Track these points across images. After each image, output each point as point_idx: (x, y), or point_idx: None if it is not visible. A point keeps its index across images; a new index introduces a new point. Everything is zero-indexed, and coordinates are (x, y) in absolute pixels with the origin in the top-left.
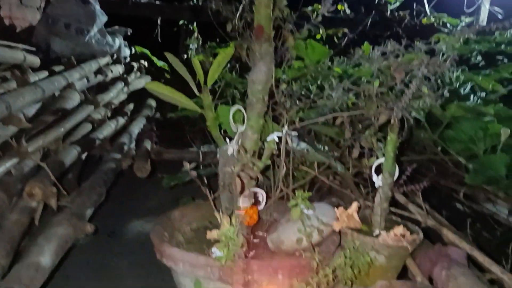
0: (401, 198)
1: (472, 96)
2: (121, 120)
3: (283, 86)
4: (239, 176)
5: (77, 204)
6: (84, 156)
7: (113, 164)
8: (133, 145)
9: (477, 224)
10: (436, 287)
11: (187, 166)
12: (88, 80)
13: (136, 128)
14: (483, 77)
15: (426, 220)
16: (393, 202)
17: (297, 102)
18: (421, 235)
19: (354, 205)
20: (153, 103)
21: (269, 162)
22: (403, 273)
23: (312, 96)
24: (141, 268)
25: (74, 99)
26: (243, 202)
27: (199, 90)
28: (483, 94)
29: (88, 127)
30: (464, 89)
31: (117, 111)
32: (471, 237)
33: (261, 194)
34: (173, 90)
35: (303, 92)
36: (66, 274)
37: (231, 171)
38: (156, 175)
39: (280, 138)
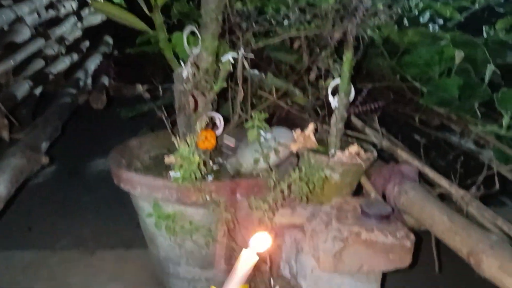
0: (358, 123)
1: (431, 24)
2: (76, 56)
3: (238, 5)
4: (193, 95)
5: (31, 137)
6: (38, 92)
7: (68, 99)
8: (89, 81)
9: (432, 151)
10: (388, 202)
11: (140, 88)
12: (39, 15)
13: (92, 64)
14: (441, 4)
15: (381, 142)
16: (350, 127)
17: (253, 24)
18: (375, 153)
19: (311, 126)
20: (110, 40)
21: (224, 84)
22: (358, 191)
23: (268, 17)
24: (103, 203)
25: (24, 33)
26: (199, 124)
27: (150, 10)
28: (442, 21)
29: (41, 63)
30: (423, 17)
31: (71, 48)
32: (424, 161)
33: (218, 118)
34: (121, 9)
35: (258, 14)
36: (28, 210)
37: (183, 89)
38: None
39: (236, 60)
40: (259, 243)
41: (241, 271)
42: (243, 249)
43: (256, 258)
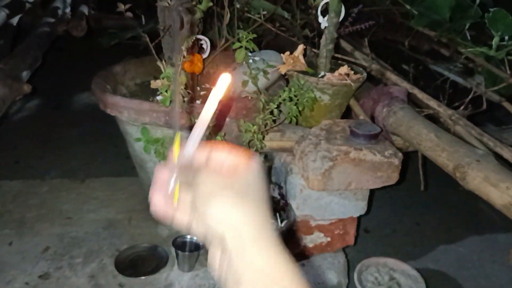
0: (347, 46)
1: None
2: None
3: None
4: (179, 14)
5: (11, 66)
6: (15, 22)
7: (47, 28)
8: (68, 10)
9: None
10: (377, 123)
11: (121, 6)
12: None
13: None
14: None
15: (371, 65)
16: (340, 51)
17: None
18: (365, 74)
19: (300, 47)
20: None
21: (210, 3)
22: (347, 114)
23: None
24: (90, 136)
25: None
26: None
27: None
28: None
29: None
30: None
31: None
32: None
33: (205, 41)
34: None
35: None
36: (13, 144)
37: (168, 4)
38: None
39: None
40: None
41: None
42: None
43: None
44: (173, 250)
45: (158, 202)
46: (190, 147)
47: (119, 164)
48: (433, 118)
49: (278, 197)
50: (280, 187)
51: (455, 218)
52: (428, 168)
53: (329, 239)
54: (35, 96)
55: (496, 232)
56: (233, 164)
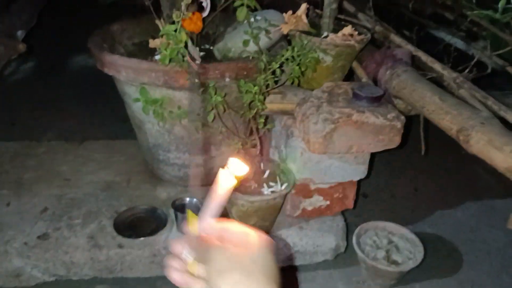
0: (351, 8)
1: None
2: None
3: None
4: None
5: (6, 24)
6: None
7: None
8: None
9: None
10: (380, 86)
11: None
12: None
13: None
14: None
15: (374, 26)
16: (342, 12)
17: None
18: (369, 35)
19: (303, 6)
20: None
21: None
22: (349, 77)
23: None
24: (86, 99)
25: None
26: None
27: None
28: None
29: None
30: None
31: None
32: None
33: (205, 0)
34: None
35: None
36: (9, 106)
37: None
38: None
39: None
40: (237, 167)
41: (220, 194)
42: (220, 169)
43: (234, 182)
44: (172, 212)
45: (175, 274)
46: (203, 223)
47: (116, 127)
48: (437, 82)
49: (278, 160)
50: (279, 151)
51: (453, 183)
52: (430, 132)
53: (328, 202)
54: (31, 57)
55: (494, 198)
56: (243, 241)
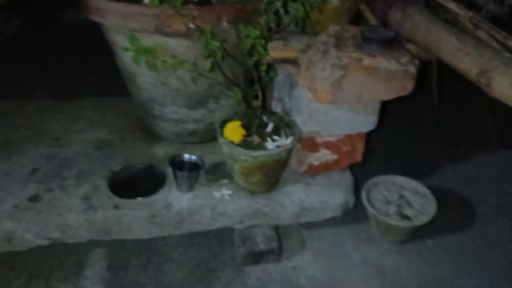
0: None
1: None
2: None
3: None
4: None
5: None
6: None
7: None
8: None
9: None
10: (390, 28)
11: None
12: None
13: None
14: None
15: None
16: None
17: None
18: None
19: None
20: None
21: None
22: (356, 21)
23: None
24: (76, 56)
25: None
26: None
27: None
28: None
29: None
30: None
31: None
32: None
33: None
34: None
35: None
36: None
37: None
38: None
39: None
40: None
41: None
42: None
43: None
44: (170, 170)
45: None
46: None
47: (108, 83)
48: (451, 23)
49: (282, 113)
50: (283, 103)
51: (463, 136)
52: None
53: (336, 156)
54: (18, 13)
55: (506, 149)
56: None
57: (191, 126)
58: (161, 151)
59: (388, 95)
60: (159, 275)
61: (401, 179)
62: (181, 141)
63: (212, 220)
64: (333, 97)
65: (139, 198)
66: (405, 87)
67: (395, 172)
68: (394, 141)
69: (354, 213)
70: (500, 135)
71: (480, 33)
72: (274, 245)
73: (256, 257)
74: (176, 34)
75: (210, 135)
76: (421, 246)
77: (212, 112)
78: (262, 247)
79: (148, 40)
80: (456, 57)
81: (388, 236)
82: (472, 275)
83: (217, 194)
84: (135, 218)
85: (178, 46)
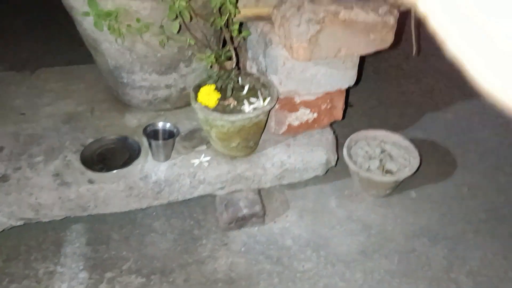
0: None
1: None
2: None
3: None
4: None
5: None
6: None
7: None
8: None
9: None
10: None
11: None
12: None
13: None
14: None
15: None
16: None
17: None
18: None
19: None
20: None
21: None
22: None
23: None
24: (38, 25)
25: None
26: None
27: None
28: None
29: None
30: None
31: None
32: None
33: None
34: None
35: None
36: None
37: None
38: None
39: None
40: None
41: None
42: None
43: None
44: (145, 140)
45: None
46: None
47: (72, 53)
48: None
49: (257, 73)
50: (258, 63)
51: (441, 84)
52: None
53: (315, 115)
54: None
55: (483, 97)
56: None
57: (163, 93)
58: (134, 121)
59: (367, 49)
60: (142, 247)
61: (382, 133)
62: (154, 109)
63: (192, 188)
64: (310, 53)
65: (114, 171)
66: (385, 40)
67: (376, 125)
68: (373, 94)
69: (336, 170)
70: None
71: None
72: (257, 208)
73: (240, 222)
74: None
75: (184, 101)
76: (405, 198)
77: (184, 76)
78: (245, 211)
79: (109, 3)
80: None
81: (372, 191)
82: (457, 222)
83: (195, 161)
84: (112, 192)
85: (142, 8)
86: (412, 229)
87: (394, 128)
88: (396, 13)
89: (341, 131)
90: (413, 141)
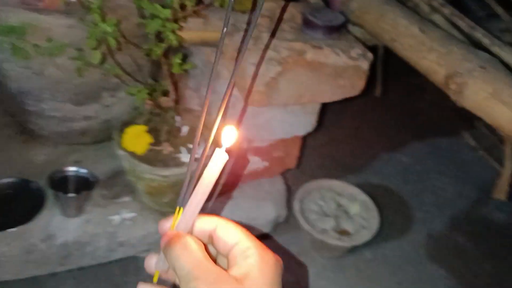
0: None
1: None
2: None
3: None
4: None
5: None
6: None
7: None
8: None
9: None
10: (333, 9)
11: None
12: None
13: None
14: None
15: None
16: None
17: None
18: None
19: None
20: None
21: None
22: None
23: None
24: None
25: None
26: None
27: None
28: None
29: None
30: None
31: None
32: None
33: None
34: None
35: None
36: None
37: None
38: None
39: None
40: (228, 138)
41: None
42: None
43: (227, 158)
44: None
45: None
46: (184, 223)
47: None
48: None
49: (198, 108)
50: (201, 97)
51: (395, 121)
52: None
53: (266, 164)
54: None
55: (439, 137)
56: (244, 266)
57: (80, 125)
58: (41, 156)
59: (333, 96)
60: None
61: (337, 184)
62: (69, 142)
63: (109, 252)
64: (267, 99)
65: (9, 230)
66: (355, 86)
67: (328, 165)
68: (323, 129)
69: (286, 224)
70: (431, 119)
71: (437, 18)
72: None
73: None
74: (51, 10)
75: (107, 134)
76: (359, 260)
77: (108, 107)
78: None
79: (12, 17)
80: (418, 53)
81: (324, 253)
82: None
83: (115, 218)
84: (4, 257)
85: (56, 25)
86: None
87: (347, 169)
88: (370, 56)
89: (294, 176)
90: (365, 187)
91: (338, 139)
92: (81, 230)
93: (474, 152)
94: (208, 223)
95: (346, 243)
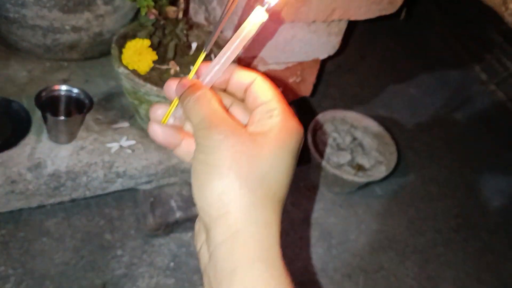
0: None
1: None
2: None
3: None
4: None
5: None
6: None
7: None
8: None
9: None
10: None
11: None
12: None
13: None
14: None
15: None
16: None
17: None
18: None
19: None
20: None
21: None
22: None
23: None
24: None
25: None
26: None
27: None
28: None
29: None
30: None
31: None
32: None
33: None
34: None
35: None
36: None
37: None
38: None
39: None
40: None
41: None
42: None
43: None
44: (38, 111)
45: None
46: (210, 75)
47: None
48: None
49: (205, 23)
50: (208, 10)
51: (402, 52)
52: None
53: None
54: None
55: (447, 69)
56: (265, 125)
57: (68, 37)
58: (22, 73)
59: (369, 13)
60: (28, 259)
61: (351, 115)
62: (54, 58)
63: (106, 183)
64: (295, 13)
65: None
66: (393, 3)
67: (335, 95)
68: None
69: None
70: (440, 52)
71: None
72: (195, 210)
73: (170, 227)
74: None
75: (99, 50)
76: (369, 196)
77: (102, 17)
78: (178, 215)
79: None
80: None
81: (335, 189)
82: (426, 232)
83: (113, 145)
84: None
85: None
86: (378, 240)
87: (356, 99)
88: None
89: (304, 105)
90: (375, 119)
91: (344, 67)
92: (74, 158)
93: (484, 86)
94: (248, 76)
95: (363, 178)
